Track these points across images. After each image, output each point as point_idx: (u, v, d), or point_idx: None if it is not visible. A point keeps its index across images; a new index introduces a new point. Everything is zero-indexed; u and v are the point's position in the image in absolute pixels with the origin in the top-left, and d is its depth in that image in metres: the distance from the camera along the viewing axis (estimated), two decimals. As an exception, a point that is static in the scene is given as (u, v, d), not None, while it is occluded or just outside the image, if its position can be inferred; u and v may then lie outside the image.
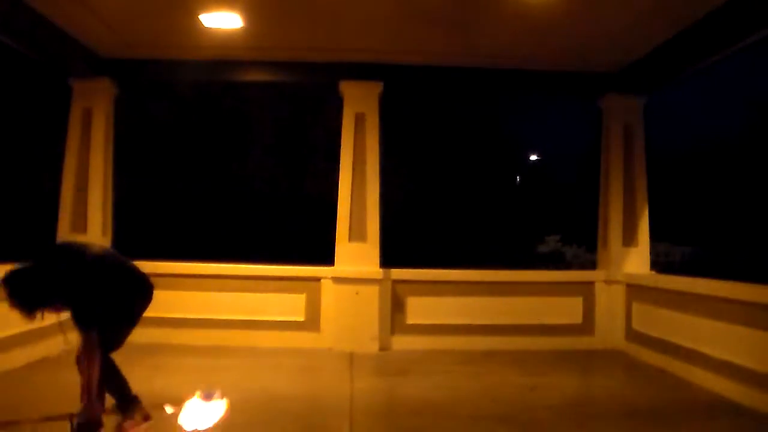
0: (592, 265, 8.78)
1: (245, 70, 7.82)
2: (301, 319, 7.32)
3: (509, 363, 6.65)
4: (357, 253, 7.28)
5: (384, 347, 7.07)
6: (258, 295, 7.36)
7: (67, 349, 4.57)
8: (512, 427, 4.69)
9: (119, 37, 6.81)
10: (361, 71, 7.41)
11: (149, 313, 7.27)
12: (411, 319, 7.30)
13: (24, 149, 13.78)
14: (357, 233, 7.30)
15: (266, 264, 7.54)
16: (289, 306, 7.33)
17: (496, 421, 4.79)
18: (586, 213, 9.58)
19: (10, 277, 3.85)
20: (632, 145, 7.79)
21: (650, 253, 7.84)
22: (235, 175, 16.30)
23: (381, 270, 7.21)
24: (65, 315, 4.09)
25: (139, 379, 5.61)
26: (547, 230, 20.17)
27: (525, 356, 6.90)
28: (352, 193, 7.42)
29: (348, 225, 7.35)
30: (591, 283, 7.69)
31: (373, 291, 7.15)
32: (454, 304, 7.42)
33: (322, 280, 7.31)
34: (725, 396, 5.33)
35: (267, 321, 7.30)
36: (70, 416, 3.92)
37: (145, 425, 4.08)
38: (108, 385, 4.18)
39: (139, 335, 7.04)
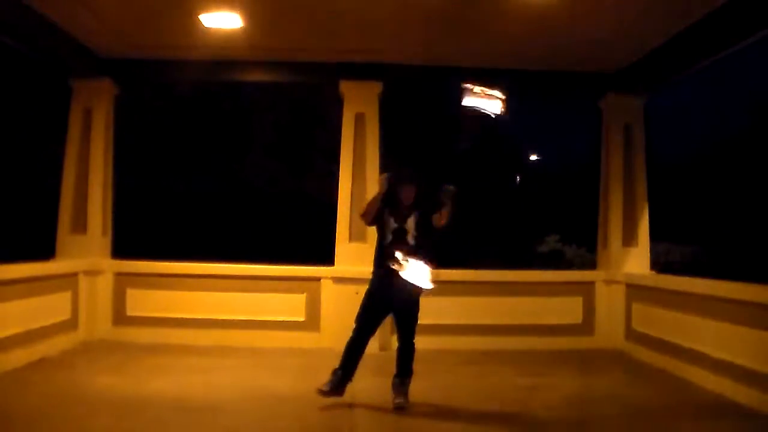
0: (592, 265, 8.78)
1: (245, 70, 7.83)
2: (301, 319, 7.33)
3: (509, 363, 6.65)
4: (357, 253, 7.26)
5: (384, 347, 7.05)
6: (258, 295, 7.36)
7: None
8: (512, 427, 4.69)
9: (119, 37, 6.81)
10: (361, 71, 7.41)
11: (149, 312, 7.34)
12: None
13: (24, 149, 13.77)
14: (357, 233, 7.29)
15: (266, 264, 7.54)
16: (289, 306, 7.33)
17: (497, 421, 4.79)
18: (586, 213, 9.57)
19: None
20: (632, 145, 7.79)
21: (650, 253, 7.84)
22: (235, 175, 16.30)
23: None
24: None
25: (139, 378, 5.63)
26: (546, 230, 20.11)
27: (525, 356, 6.89)
28: (352, 193, 7.42)
29: (348, 225, 7.35)
30: (591, 283, 7.69)
31: (373, 291, 7.14)
32: (454, 304, 7.42)
33: (322, 280, 7.31)
34: (725, 396, 5.33)
35: (267, 321, 7.30)
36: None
37: None
38: None
39: (139, 335, 7.12)
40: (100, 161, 7.51)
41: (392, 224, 5.03)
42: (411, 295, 5.01)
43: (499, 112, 5.01)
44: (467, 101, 5.05)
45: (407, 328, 5.08)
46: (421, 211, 5.04)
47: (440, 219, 4.94)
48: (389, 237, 5.02)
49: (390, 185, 5.06)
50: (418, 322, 5.11)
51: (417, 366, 5.11)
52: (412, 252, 4.91)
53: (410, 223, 5.02)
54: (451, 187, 4.91)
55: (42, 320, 6.31)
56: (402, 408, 4.87)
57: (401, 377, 5.03)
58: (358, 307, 5.10)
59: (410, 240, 5.00)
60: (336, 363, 5.07)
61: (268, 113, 16.23)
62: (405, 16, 6.07)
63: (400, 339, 5.11)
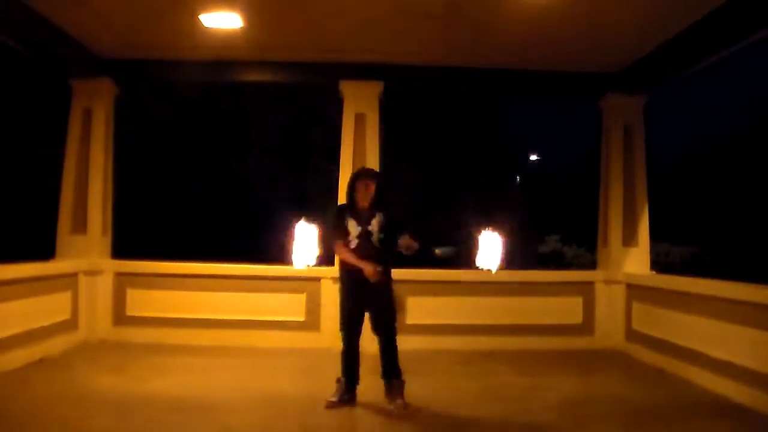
0: (592, 265, 8.78)
1: (245, 70, 7.82)
2: (301, 319, 7.33)
3: (509, 363, 6.65)
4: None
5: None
6: (258, 295, 7.36)
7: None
8: (512, 427, 4.69)
9: (119, 37, 6.81)
10: (361, 71, 7.41)
11: (149, 312, 7.34)
12: (411, 319, 7.29)
13: (24, 149, 13.77)
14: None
15: (266, 264, 7.54)
16: (289, 306, 7.33)
17: (496, 421, 4.79)
18: (586, 213, 9.57)
19: None
20: (632, 145, 7.79)
21: (650, 253, 7.84)
22: (234, 175, 16.30)
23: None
24: None
25: (139, 378, 5.64)
26: (547, 230, 20.13)
27: (525, 356, 6.90)
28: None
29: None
30: (591, 283, 7.68)
31: (373, 291, 7.13)
32: (454, 304, 7.42)
33: (322, 280, 7.30)
34: (725, 396, 5.33)
35: (267, 321, 7.30)
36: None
37: None
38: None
39: (139, 335, 7.13)
40: (100, 161, 7.50)
41: (356, 228, 4.96)
42: (383, 290, 4.98)
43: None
44: None
45: (386, 325, 5.02)
46: (384, 212, 4.98)
47: (405, 246, 4.80)
48: (355, 241, 4.95)
49: (350, 180, 5.06)
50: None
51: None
52: (378, 254, 4.90)
53: (374, 224, 4.95)
54: (414, 245, 4.80)
55: (42, 320, 6.31)
56: (404, 407, 4.86)
57: (394, 378, 4.98)
58: (339, 316, 5.07)
59: (375, 242, 4.96)
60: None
61: (268, 113, 16.22)
62: (405, 16, 6.06)
63: (381, 339, 5.02)
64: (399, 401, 4.89)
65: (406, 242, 4.79)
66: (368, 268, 4.86)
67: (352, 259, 4.92)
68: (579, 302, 7.60)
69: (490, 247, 4.89)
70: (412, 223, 4.92)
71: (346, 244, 4.97)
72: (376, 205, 4.99)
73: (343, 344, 5.03)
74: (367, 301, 4.98)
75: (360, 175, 5.09)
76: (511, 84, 8.04)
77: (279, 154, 16.54)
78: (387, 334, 5.02)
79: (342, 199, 7.36)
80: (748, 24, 5.57)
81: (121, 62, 7.39)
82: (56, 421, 4.44)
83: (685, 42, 6.19)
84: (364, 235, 4.94)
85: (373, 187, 4.97)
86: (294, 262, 5.03)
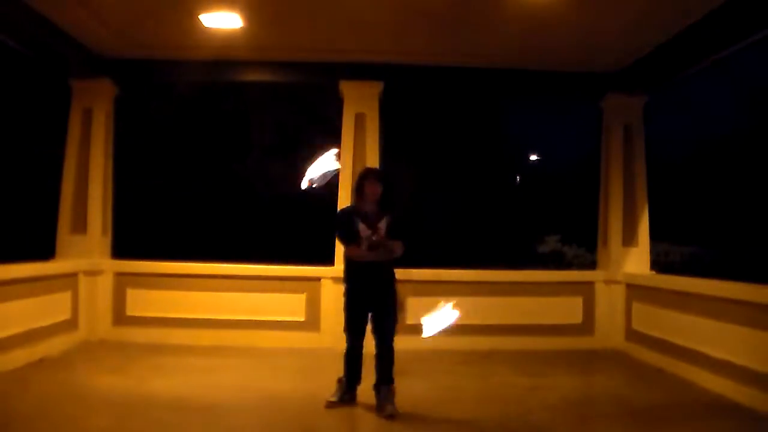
0: (592, 265, 8.77)
1: (245, 70, 7.82)
2: (301, 319, 7.33)
3: (509, 363, 6.65)
4: (357, 253, 7.26)
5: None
6: (258, 295, 7.36)
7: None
8: (512, 428, 4.69)
9: (119, 37, 6.81)
10: (361, 71, 7.41)
11: (149, 312, 7.34)
12: (411, 319, 7.25)
13: (24, 149, 13.77)
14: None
15: (266, 264, 7.54)
16: (289, 306, 7.33)
17: (497, 421, 4.79)
18: (586, 213, 9.57)
19: None
20: (632, 145, 7.80)
21: (650, 253, 7.84)
22: (234, 175, 16.31)
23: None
24: None
25: (139, 378, 5.64)
26: (547, 230, 20.13)
27: (525, 356, 6.89)
28: (352, 193, 7.40)
29: (348, 225, 7.34)
30: (591, 283, 7.68)
31: (373, 291, 7.12)
32: (454, 304, 7.41)
33: (322, 280, 7.31)
34: (725, 396, 5.33)
35: (267, 321, 7.30)
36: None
37: None
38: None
39: (139, 335, 7.13)
40: (100, 161, 7.51)
41: (365, 230, 4.90)
42: (388, 293, 4.96)
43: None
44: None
45: (386, 328, 4.95)
46: (390, 214, 4.95)
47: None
48: (364, 244, 4.89)
49: (357, 181, 5.02)
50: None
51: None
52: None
53: (381, 227, 4.90)
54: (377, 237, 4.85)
55: (42, 320, 6.31)
56: (393, 417, 4.68)
57: (386, 384, 4.88)
58: (343, 318, 5.03)
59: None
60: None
61: (268, 113, 16.23)
62: (405, 16, 6.07)
63: (379, 343, 4.93)
64: (389, 408, 4.74)
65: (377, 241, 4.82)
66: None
67: (368, 258, 4.88)
68: (579, 302, 7.60)
69: (439, 318, 4.98)
70: (414, 226, 4.88)
71: (359, 247, 4.90)
72: (383, 207, 4.96)
73: (347, 344, 5.01)
74: (372, 301, 4.95)
75: (368, 175, 5.03)
76: (511, 84, 8.04)
77: (279, 154, 16.55)
78: (386, 337, 4.96)
79: (342, 199, 7.41)
80: (748, 24, 5.58)
81: (121, 62, 7.39)
82: (57, 421, 4.44)
83: (685, 42, 6.19)
84: (372, 238, 4.89)
85: (380, 188, 4.92)
86: (305, 179, 5.01)
